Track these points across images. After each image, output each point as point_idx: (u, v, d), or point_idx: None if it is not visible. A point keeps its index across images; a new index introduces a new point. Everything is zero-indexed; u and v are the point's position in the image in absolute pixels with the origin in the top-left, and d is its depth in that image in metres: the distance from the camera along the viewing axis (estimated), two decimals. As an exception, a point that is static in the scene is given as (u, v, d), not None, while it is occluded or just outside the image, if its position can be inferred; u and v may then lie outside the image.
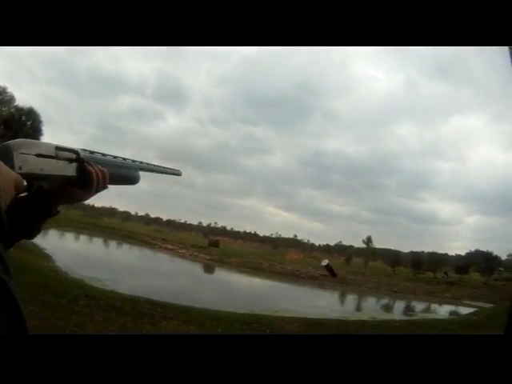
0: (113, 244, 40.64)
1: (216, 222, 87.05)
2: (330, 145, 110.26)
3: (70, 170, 1.07)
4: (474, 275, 47.60)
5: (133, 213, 78.36)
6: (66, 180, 1.07)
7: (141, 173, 1.34)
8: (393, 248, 62.58)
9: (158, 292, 14.92)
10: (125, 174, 1.27)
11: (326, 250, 74.28)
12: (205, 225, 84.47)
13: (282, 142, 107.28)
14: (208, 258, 42.15)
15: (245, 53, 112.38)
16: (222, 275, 33.25)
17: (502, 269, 46.78)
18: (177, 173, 1.54)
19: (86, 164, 1.10)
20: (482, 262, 48.74)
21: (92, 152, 1.17)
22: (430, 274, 47.23)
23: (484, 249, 52.48)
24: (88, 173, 1.10)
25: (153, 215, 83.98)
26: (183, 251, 44.60)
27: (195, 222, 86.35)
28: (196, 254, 43.92)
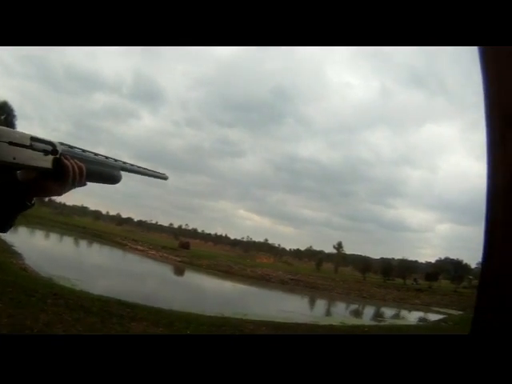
0: (83, 243, 39.94)
1: (187, 224, 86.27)
2: (303, 150, 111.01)
3: (46, 162, 1.03)
4: (444, 282, 48.10)
5: (104, 212, 77.03)
6: (40, 172, 1.03)
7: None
8: (363, 254, 63.31)
9: (128, 293, 14.87)
10: (105, 172, 1.23)
11: (297, 254, 74.49)
12: (176, 226, 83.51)
13: (255, 145, 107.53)
14: (178, 259, 41.90)
15: (221, 56, 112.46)
16: (192, 277, 33.13)
17: (471, 277, 47.38)
18: (163, 177, 1.51)
19: (62, 157, 1.06)
20: (451, 270, 49.30)
21: (71, 147, 1.13)
22: (399, 281, 47.68)
23: (454, 257, 53.12)
24: (64, 166, 1.06)
25: (124, 215, 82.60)
26: (153, 252, 44.22)
27: (166, 224, 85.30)
28: (166, 255, 43.60)
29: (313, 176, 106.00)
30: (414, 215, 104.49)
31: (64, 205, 66.83)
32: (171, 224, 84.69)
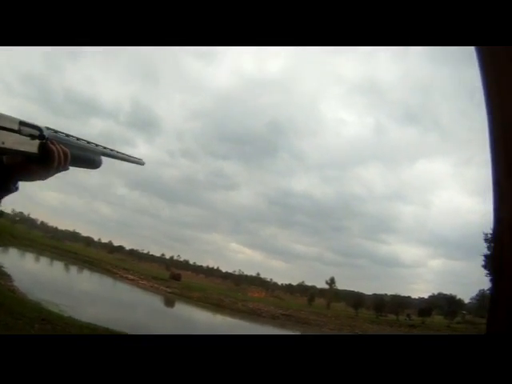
0: (73, 269, 39.48)
1: (179, 255, 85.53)
2: (296, 185, 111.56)
3: (32, 146, 1.04)
4: (437, 318, 47.47)
5: (96, 239, 76.66)
6: (26, 156, 1.04)
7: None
8: (356, 290, 62.96)
9: (116, 322, 14.62)
10: (87, 156, 1.25)
11: (289, 289, 73.96)
12: (168, 257, 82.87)
13: (249, 179, 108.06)
14: (169, 291, 41.50)
15: (219, 88, 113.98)
16: (182, 309, 32.73)
17: (464, 312, 47.16)
18: (140, 162, 1.52)
19: (48, 142, 1.08)
20: (445, 305, 48.71)
21: (56, 131, 1.14)
22: (392, 317, 47.19)
23: (447, 292, 52.32)
24: (50, 151, 1.08)
25: (116, 243, 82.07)
26: (144, 282, 43.75)
27: (158, 254, 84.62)
28: (157, 285, 43.11)
29: (306, 211, 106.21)
30: (406, 251, 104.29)
31: (56, 229, 66.48)
32: (163, 254, 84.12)
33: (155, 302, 33.39)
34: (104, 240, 77.36)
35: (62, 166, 1.12)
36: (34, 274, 26.61)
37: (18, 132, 0.99)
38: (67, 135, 1.17)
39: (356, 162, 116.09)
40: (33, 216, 73.73)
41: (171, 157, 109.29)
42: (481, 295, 43.90)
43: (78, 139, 1.21)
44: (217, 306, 36.46)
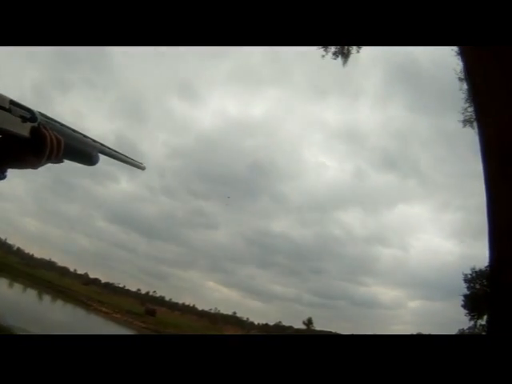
0: (47, 298, 38.45)
1: (155, 291, 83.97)
2: (275, 226, 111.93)
3: (23, 129, 0.95)
4: None
5: (72, 269, 75.06)
6: (16, 141, 0.96)
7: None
8: (333, 331, 62.15)
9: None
10: (83, 149, 1.14)
11: (265, 329, 72.81)
12: (143, 292, 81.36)
13: (229, 218, 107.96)
14: (143, 325, 40.56)
15: (202, 129, 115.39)
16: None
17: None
18: (140, 166, 1.41)
19: (41, 126, 0.98)
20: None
21: (50, 118, 1.04)
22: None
23: (426, 332, 52.21)
24: (42, 136, 0.98)
25: (92, 275, 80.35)
26: (118, 316, 42.83)
27: (134, 288, 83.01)
28: (131, 320, 42.19)
29: (284, 252, 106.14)
30: (386, 292, 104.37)
31: (32, 256, 64.99)
32: (139, 289, 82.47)
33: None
34: (80, 271, 75.73)
35: (54, 156, 1.02)
36: (7, 299, 25.87)
37: (9, 111, 0.91)
38: (62, 124, 1.08)
39: (336, 205, 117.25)
40: (10, 241, 71.95)
41: (151, 193, 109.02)
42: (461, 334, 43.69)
43: (73, 131, 1.11)
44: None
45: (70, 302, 41.03)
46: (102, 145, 1.21)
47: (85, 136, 1.15)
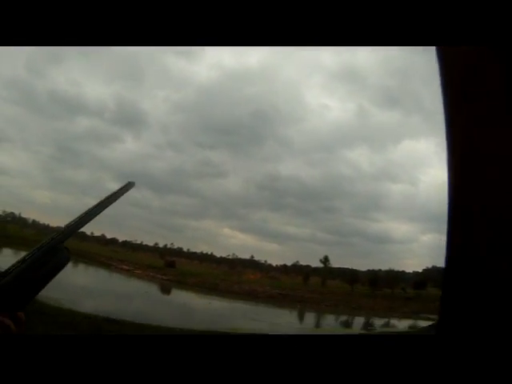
0: (68, 264, 39.10)
1: (172, 243, 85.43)
2: (284, 169, 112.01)
3: None
4: (432, 290, 47.22)
5: (88, 233, 76.50)
6: None
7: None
8: (350, 267, 63.29)
9: (115, 311, 14.80)
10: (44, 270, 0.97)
11: (284, 270, 74.31)
12: (161, 246, 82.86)
13: (237, 166, 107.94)
14: (165, 278, 41.61)
15: (201, 82, 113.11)
16: (180, 295, 32.93)
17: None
18: (129, 187, 1.37)
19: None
20: (439, 278, 48.86)
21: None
22: (387, 291, 47.56)
23: (440, 265, 52.78)
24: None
25: (109, 236, 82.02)
26: (140, 271, 43.91)
27: (151, 243, 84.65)
28: (153, 274, 43.31)
29: (295, 194, 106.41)
30: (397, 227, 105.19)
31: (48, 226, 66.04)
32: (156, 243, 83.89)
33: (152, 289, 33.51)
34: (96, 233, 77.07)
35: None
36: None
37: None
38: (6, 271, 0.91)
39: (341, 144, 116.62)
40: (24, 215, 73.08)
41: (158, 149, 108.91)
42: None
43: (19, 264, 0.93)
44: (213, 290, 36.64)
45: (91, 265, 42.08)
46: (71, 225, 1.10)
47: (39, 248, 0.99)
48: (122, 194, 1.30)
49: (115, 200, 1.26)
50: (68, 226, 1.08)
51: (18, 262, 0.92)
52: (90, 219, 1.14)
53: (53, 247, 1.02)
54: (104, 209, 1.20)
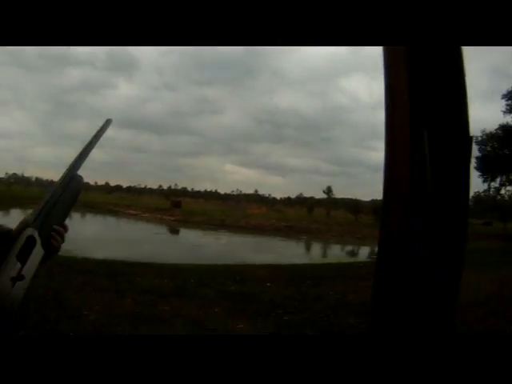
0: (75, 216, 39.58)
1: (176, 184, 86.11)
2: (281, 102, 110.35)
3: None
4: None
5: (92, 183, 76.78)
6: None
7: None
8: (353, 197, 63.61)
9: (129, 255, 15.17)
10: (68, 196, 1.19)
11: (288, 202, 74.82)
12: (165, 187, 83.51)
13: (234, 101, 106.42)
14: (172, 218, 42.40)
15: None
16: (188, 233, 33.40)
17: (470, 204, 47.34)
18: (108, 124, 1.37)
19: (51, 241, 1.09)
20: None
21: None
22: (392, 219, 47.56)
23: None
24: (54, 249, 1.10)
25: (113, 183, 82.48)
26: (147, 215, 44.79)
27: (155, 186, 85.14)
28: (160, 216, 44.10)
29: (294, 125, 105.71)
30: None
31: (52, 182, 66.12)
32: (160, 186, 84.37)
33: (161, 230, 34.02)
34: (100, 182, 77.38)
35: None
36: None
37: None
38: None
39: (337, 74, 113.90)
40: (26, 174, 72.90)
41: (154, 91, 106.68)
42: (476, 196, 44.61)
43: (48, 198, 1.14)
44: (220, 226, 37.11)
45: (98, 213, 42.97)
46: (75, 161, 1.23)
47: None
48: (103, 131, 1.34)
49: (99, 139, 1.32)
50: (67, 170, 1.22)
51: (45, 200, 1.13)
52: (83, 161, 1.25)
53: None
54: (91, 149, 1.28)
